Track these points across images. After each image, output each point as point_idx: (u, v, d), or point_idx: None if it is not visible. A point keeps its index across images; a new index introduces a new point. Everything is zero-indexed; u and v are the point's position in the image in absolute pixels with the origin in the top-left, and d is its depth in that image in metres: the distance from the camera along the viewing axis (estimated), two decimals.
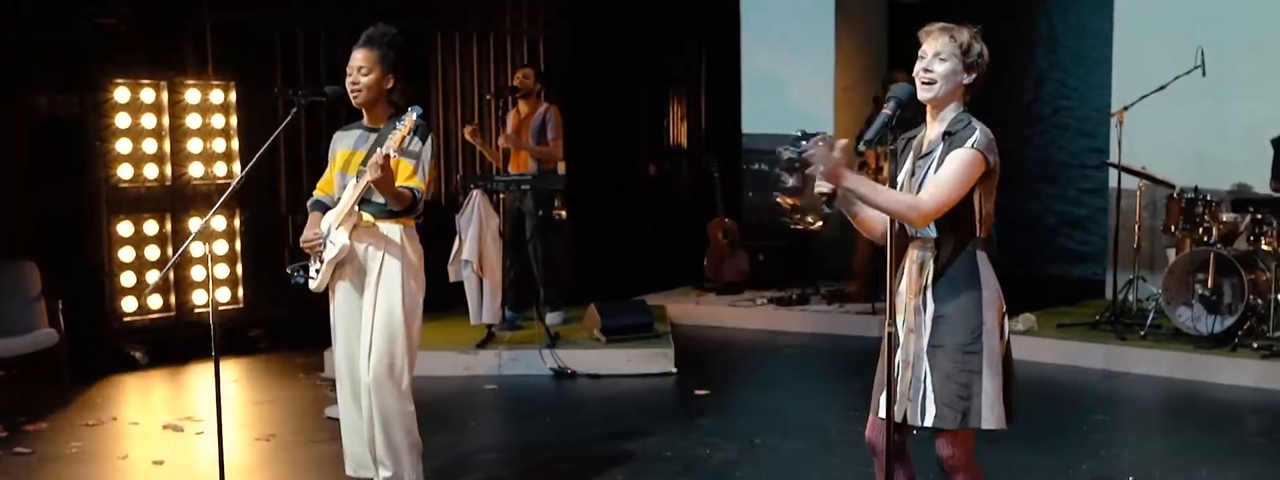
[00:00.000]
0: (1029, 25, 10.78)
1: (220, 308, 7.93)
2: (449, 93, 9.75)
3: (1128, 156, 7.87)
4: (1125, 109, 7.86)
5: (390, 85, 4.68)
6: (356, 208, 4.59)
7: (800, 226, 9.72)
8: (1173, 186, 7.73)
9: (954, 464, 3.71)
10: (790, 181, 3.55)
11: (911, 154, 3.76)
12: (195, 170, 7.91)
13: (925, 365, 3.68)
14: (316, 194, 4.92)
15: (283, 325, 8.14)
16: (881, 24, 10.88)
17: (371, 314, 4.64)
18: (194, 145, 7.90)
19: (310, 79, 8.33)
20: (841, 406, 6.44)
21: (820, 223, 9.20)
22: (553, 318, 8.05)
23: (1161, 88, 7.77)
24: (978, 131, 3.59)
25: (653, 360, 7.41)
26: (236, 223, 8.10)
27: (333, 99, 4.73)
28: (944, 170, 3.58)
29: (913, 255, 3.74)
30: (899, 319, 3.75)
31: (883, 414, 3.75)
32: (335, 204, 4.77)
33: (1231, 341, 7.12)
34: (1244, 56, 8.44)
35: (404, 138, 4.27)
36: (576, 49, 10.34)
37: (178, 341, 7.71)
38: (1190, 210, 7.50)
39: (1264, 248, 7.19)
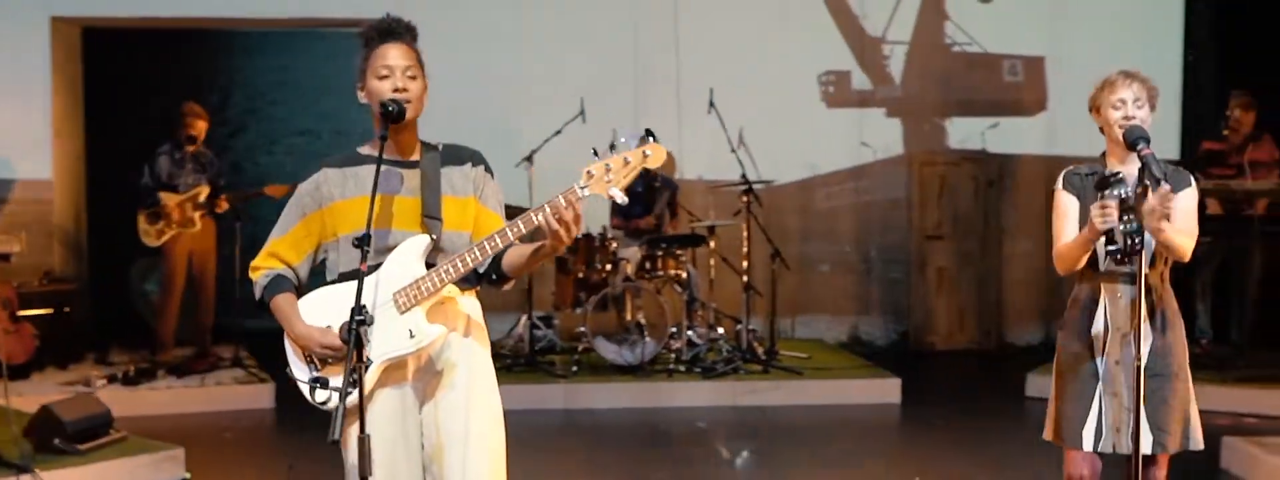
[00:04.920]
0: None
1: None
2: None
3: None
4: (533, 153, 8.01)
5: None
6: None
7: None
8: None
9: None
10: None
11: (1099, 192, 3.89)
12: None
13: (1138, 395, 3.86)
14: (273, 266, 3.29)
15: None
16: (78, 51, 9.35)
17: (464, 427, 3.26)
18: None
19: None
20: None
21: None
22: None
23: (558, 133, 8.10)
24: (1188, 173, 3.91)
25: (162, 467, 5.75)
26: None
27: (395, 115, 3.21)
28: (1185, 210, 3.82)
29: (1117, 290, 3.87)
30: (1100, 352, 3.88)
31: (1090, 447, 3.87)
32: (308, 280, 3.30)
33: (666, 367, 7.73)
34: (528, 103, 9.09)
35: (636, 172, 3.08)
36: None
37: None
38: (603, 249, 7.94)
39: (665, 274, 7.93)
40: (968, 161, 9.57)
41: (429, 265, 3.16)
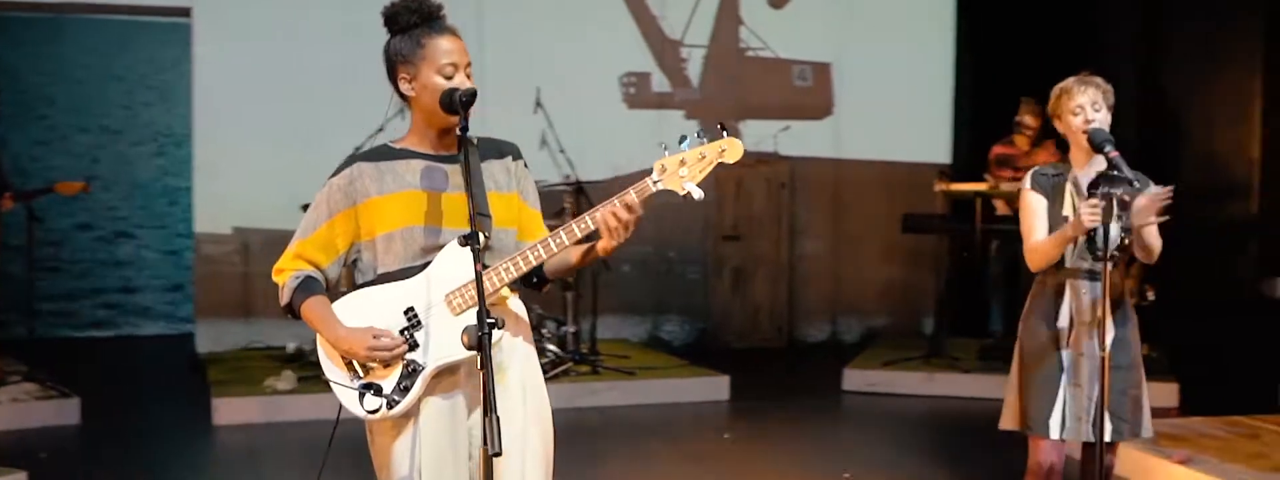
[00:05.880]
0: None
1: None
2: None
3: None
4: (357, 151, 7.65)
5: None
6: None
7: None
8: None
9: (1112, 473, 4.19)
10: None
11: (1067, 193, 4.08)
12: None
13: (1100, 385, 4.08)
14: (300, 268, 3.06)
15: None
16: None
17: (521, 433, 3.09)
18: None
19: None
20: None
21: None
22: None
23: (380, 129, 7.77)
24: (1146, 176, 4.12)
25: None
26: None
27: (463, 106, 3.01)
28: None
29: (1082, 286, 4.08)
30: (1065, 344, 4.08)
31: (1057, 435, 4.06)
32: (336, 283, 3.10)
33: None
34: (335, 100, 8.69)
35: (712, 167, 3.02)
36: None
37: None
38: None
39: None
40: (761, 164, 9.82)
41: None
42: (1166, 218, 3.82)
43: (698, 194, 2.95)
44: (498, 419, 2.58)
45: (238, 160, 8.56)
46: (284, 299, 3.06)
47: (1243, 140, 8.58)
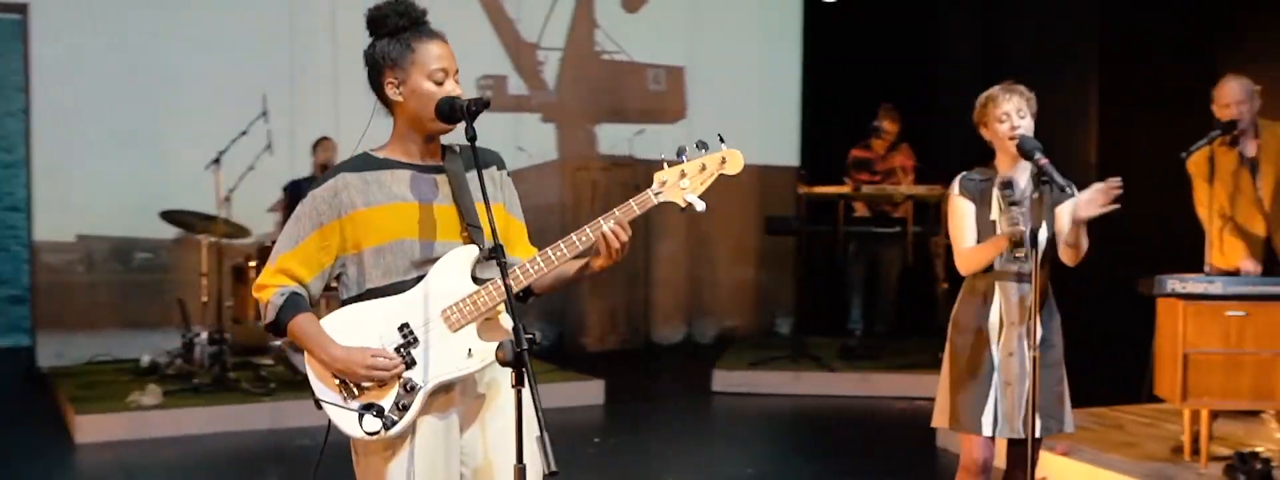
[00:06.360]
0: None
1: None
2: None
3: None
4: (221, 155, 7.37)
5: None
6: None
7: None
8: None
9: (1037, 470, 4.34)
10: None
11: (995, 197, 4.21)
12: None
13: (1029, 383, 4.23)
14: (284, 284, 2.94)
15: None
16: None
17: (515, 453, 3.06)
18: None
19: None
20: None
21: None
22: None
23: (244, 133, 7.52)
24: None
25: None
26: None
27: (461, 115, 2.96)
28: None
29: (1011, 287, 4.21)
30: (995, 344, 4.22)
31: (989, 432, 4.19)
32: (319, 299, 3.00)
33: None
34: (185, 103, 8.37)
35: (713, 178, 3.03)
36: None
37: None
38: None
39: None
40: (617, 167, 9.85)
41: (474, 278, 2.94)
42: (1117, 207, 3.93)
43: (700, 206, 2.94)
44: (548, 438, 2.51)
45: (81, 165, 8.16)
46: (269, 317, 2.92)
47: (1081, 144, 8.96)
